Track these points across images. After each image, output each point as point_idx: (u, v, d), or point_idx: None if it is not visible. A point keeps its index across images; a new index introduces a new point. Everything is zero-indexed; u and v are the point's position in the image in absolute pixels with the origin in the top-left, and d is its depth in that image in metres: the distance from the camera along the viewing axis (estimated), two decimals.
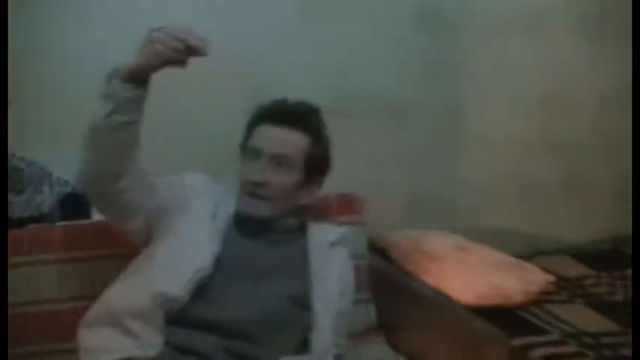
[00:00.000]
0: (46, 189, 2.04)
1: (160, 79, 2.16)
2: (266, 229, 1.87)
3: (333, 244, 1.95)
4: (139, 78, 1.56)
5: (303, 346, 1.79)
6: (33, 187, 2.02)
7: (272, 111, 1.91)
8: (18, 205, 1.97)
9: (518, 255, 2.52)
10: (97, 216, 2.06)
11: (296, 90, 2.29)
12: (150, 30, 1.52)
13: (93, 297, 1.84)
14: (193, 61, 2.17)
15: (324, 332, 1.78)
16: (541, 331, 2.12)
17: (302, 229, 1.95)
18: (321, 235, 1.95)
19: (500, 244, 2.49)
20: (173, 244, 1.77)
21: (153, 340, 1.64)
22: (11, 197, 1.97)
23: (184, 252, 1.75)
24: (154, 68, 1.56)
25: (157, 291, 1.67)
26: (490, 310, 2.10)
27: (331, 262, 1.91)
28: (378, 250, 2.40)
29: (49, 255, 1.92)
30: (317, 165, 1.91)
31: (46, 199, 2.01)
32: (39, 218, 1.99)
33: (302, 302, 1.81)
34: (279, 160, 1.83)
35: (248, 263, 1.81)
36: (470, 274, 2.18)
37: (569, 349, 2.03)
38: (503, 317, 2.09)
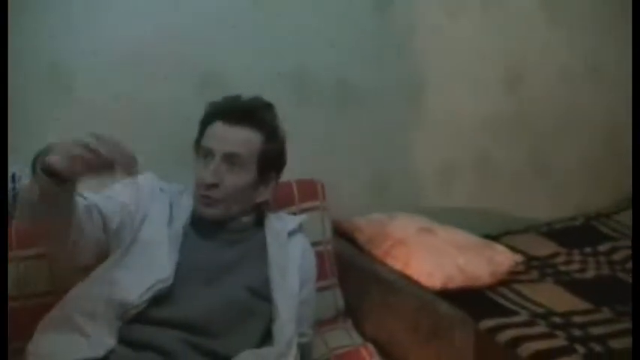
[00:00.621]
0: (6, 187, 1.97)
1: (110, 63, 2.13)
2: (222, 230, 1.84)
3: (291, 234, 1.93)
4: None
5: (268, 337, 1.76)
6: None
7: (223, 109, 1.87)
8: None
9: (487, 235, 2.50)
10: None
11: (248, 75, 2.30)
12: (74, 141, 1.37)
13: (51, 295, 1.82)
14: (144, 47, 2.16)
15: (286, 322, 1.76)
16: (509, 313, 2.08)
17: (260, 224, 1.92)
18: (279, 225, 1.93)
19: (469, 224, 2.46)
20: (134, 254, 1.73)
21: (105, 340, 1.60)
22: None
23: (145, 261, 1.72)
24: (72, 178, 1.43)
25: (112, 297, 1.64)
26: (457, 293, 2.07)
27: (290, 252, 1.89)
28: (343, 235, 2.37)
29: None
30: (271, 162, 1.88)
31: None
32: None
33: (261, 293, 1.79)
34: (231, 160, 1.80)
35: (205, 264, 1.78)
36: (435, 257, 2.13)
37: (538, 329, 1.99)
38: (470, 300, 2.07)
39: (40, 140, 1.68)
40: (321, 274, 2.12)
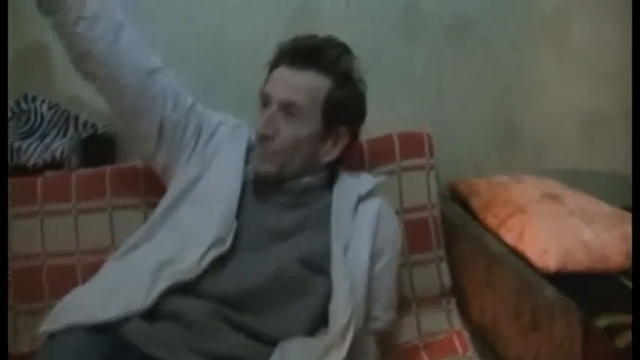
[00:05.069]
0: (72, 133, 1.87)
1: None
2: (279, 190, 1.60)
3: (364, 198, 1.64)
4: None
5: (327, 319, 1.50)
6: (56, 132, 1.87)
7: (289, 50, 1.62)
8: (36, 151, 1.82)
9: None
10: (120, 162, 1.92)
11: (347, 10, 2.01)
12: None
13: (111, 250, 1.72)
14: None
15: (342, 305, 1.48)
16: None
17: (331, 186, 1.66)
18: (351, 187, 1.65)
19: (617, 194, 1.93)
20: (195, 208, 1.57)
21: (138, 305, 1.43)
22: (29, 142, 1.84)
23: (206, 221, 1.53)
24: None
25: (165, 259, 1.48)
26: (580, 276, 1.64)
27: (360, 219, 1.60)
28: (458, 198, 2.03)
29: (66, 204, 1.78)
30: (341, 114, 1.60)
31: (66, 144, 1.83)
32: (57, 164, 1.82)
33: (319, 267, 1.53)
34: (288, 109, 1.56)
35: (255, 229, 1.56)
36: (555, 230, 1.70)
37: None
38: (595, 286, 1.64)
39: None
40: (423, 245, 1.88)
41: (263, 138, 1.57)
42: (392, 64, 2.03)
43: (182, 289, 1.46)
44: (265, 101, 1.60)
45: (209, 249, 1.49)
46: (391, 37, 2.05)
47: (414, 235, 1.85)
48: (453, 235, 1.91)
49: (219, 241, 1.50)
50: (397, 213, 1.81)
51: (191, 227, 1.54)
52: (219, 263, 1.49)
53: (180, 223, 1.56)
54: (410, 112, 2.03)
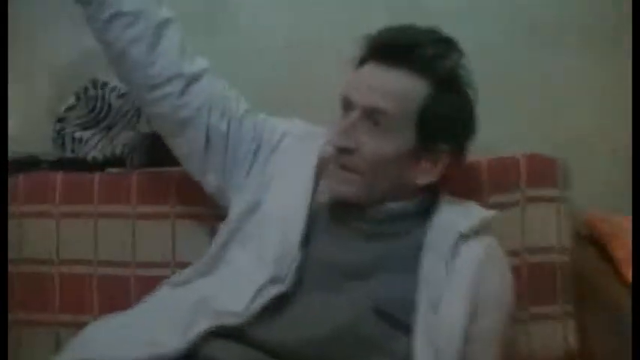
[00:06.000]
0: (140, 127, 1.65)
1: None
2: (360, 216, 1.30)
3: (467, 236, 1.28)
4: None
5: None
6: (123, 124, 1.65)
7: (377, 43, 1.31)
8: (98, 144, 1.62)
9: None
10: None
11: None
12: None
13: (170, 265, 1.53)
14: None
15: None
16: None
17: (427, 215, 1.32)
18: (452, 221, 1.30)
19: None
20: (254, 240, 1.32)
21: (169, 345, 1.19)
22: (92, 133, 1.63)
23: (264, 255, 1.28)
24: None
25: (210, 296, 1.25)
26: None
27: (459, 264, 1.25)
28: (594, 240, 1.64)
29: (124, 207, 1.55)
30: (441, 127, 1.28)
31: (131, 138, 1.61)
32: (119, 160, 1.61)
33: (397, 320, 1.21)
34: (374, 118, 1.24)
35: (327, 265, 1.27)
36: None
37: None
38: None
39: None
40: (547, 296, 1.54)
41: (340, 151, 1.27)
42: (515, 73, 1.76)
43: (226, 332, 1.19)
44: (346, 106, 1.30)
45: (263, 288, 1.22)
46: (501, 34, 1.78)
47: (537, 282, 1.51)
48: (584, 287, 1.54)
49: (276, 279, 1.23)
50: (517, 254, 1.49)
51: (246, 262, 1.29)
52: (276, 305, 1.21)
53: (236, 257, 1.31)
54: (534, 132, 1.74)
